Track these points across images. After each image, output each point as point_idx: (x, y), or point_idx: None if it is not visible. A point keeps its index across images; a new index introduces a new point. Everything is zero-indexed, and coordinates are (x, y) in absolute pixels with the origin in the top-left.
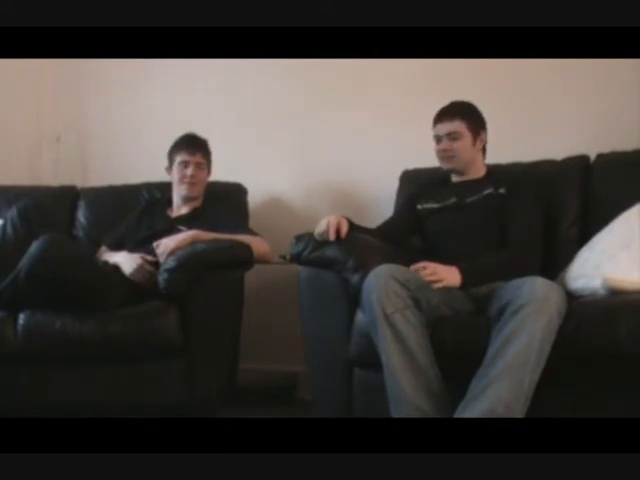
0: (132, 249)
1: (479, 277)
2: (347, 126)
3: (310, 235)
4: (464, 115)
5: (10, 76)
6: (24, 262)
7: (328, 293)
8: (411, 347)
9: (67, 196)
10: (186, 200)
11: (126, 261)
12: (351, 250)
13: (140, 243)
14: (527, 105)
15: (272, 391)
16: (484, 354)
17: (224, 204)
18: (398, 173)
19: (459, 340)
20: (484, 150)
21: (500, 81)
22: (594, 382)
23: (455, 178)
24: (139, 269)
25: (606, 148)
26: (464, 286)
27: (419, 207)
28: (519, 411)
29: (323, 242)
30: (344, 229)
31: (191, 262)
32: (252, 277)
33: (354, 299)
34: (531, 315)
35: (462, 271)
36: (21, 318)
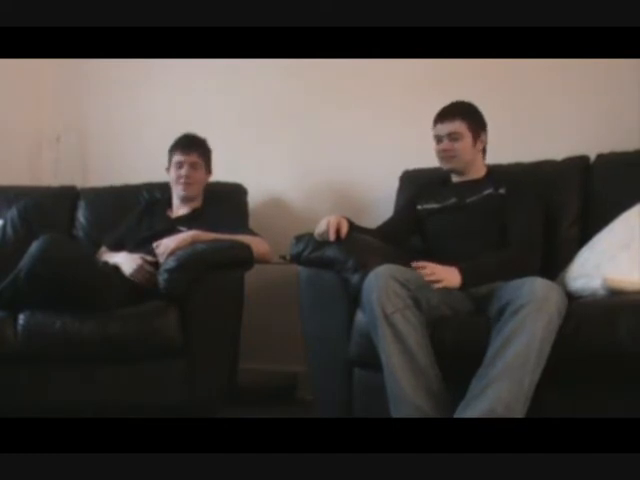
0: (132, 249)
1: (479, 277)
2: (347, 126)
3: (310, 235)
4: (465, 115)
5: (10, 76)
6: (24, 262)
7: (328, 293)
8: (411, 347)
9: (67, 196)
10: (184, 200)
11: (126, 261)
12: (351, 250)
13: (140, 243)
14: (527, 105)
15: (272, 391)
16: (484, 354)
17: (224, 204)
18: (398, 173)
19: (459, 340)
20: (484, 150)
21: (500, 81)
22: (594, 382)
23: (455, 178)
24: (139, 269)
25: (606, 148)
26: (464, 286)
27: (419, 207)
28: (519, 411)
29: (323, 242)
30: (344, 229)
31: (191, 262)
32: (252, 277)
33: (354, 299)
34: (531, 315)
35: (462, 271)
36: (21, 318)
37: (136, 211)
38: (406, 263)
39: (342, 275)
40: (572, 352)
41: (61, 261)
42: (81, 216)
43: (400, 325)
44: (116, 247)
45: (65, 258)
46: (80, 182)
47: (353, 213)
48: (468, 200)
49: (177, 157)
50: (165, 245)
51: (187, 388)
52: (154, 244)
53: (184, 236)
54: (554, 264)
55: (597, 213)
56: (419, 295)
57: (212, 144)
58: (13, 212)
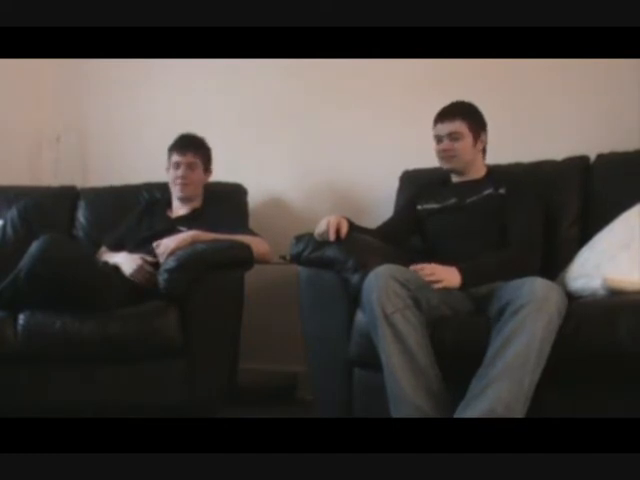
0: (132, 249)
1: (479, 277)
2: (347, 126)
3: (310, 235)
4: (465, 115)
5: (10, 76)
6: (24, 262)
7: (328, 293)
8: (411, 347)
9: (67, 196)
10: (183, 201)
11: (126, 261)
12: (351, 250)
13: (140, 243)
14: (527, 105)
15: (272, 391)
16: (484, 354)
17: (224, 204)
18: (398, 173)
19: (459, 340)
20: (484, 150)
21: (500, 81)
22: (594, 382)
23: (455, 178)
24: (139, 269)
25: (606, 148)
26: (464, 286)
27: (419, 207)
28: (519, 411)
29: (323, 242)
30: (344, 229)
31: (191, 262)
32: (252, 277)
33: (354, 299)
34: (531, 315)
35: (462, 271)
36: (21, 318)
37: (136, 211)
38: (406, 263)
39: (342, 275)
40: (572, 352)
41: (61, 261)
42: (81, 216)
43: (400, 325)
44: (116, 247)
45: (65, 258)
46: (80, 182)
47: (353, 213)
48: (468, 200)
49: (174, 158)
50: (165, 245)
51: (187, 388)
52: (154, 244)
53: (184, 236)
54: (554, 264)
55: (597, 213)
56: (419, 295)
57: (212, 144)
58: (13, 212)
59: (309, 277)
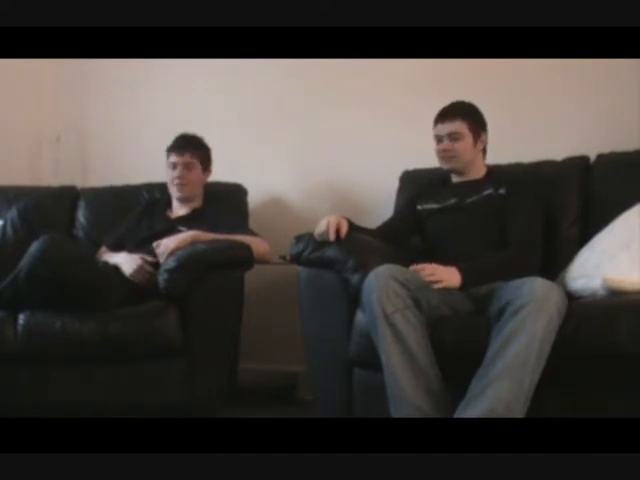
0: (132, 249)
1: (479, 277)
2: (347, 126)
3: (310, 235)
4: (465, 115)
5: (10, 76)
6: (24, 262)
7: (328, 293)
8: (411, 347)
9: (67, 196)
10: (182, 201)
11: (126, 262)
12: (351, 250)
13: (140, 243)
14: (527, 105)
15: (272, 391)
16: (484, 354)
17: (224, 204)
18: (398, 173)
19: (459, 340)
20: (484, 150)
21: (500, 81)
22: (594, 382)
23: (455, 178)
24: (139, 270)
25: (606, 148)
26: (464, 286)
27: (419, 207)
28: (519, 411)
29: (323, 242)
30: (344, 229)
31: (191, 262)
32: (252, 277)
33: (354, 299)
34: (531, 315)
35: (462, 271)
36: (21, 318)
37: (136, 211)
38: (406, 263)
39: (342, 275)
40: (572, 352)
41: (61, 261)
42: (81, 216)
43: (400, 325)
44: (116, 247)
45: (65, 258)
46: (80, 182)
47: (353, 213)
48: (468, 200)
49: (172, 158)
50: (165, 245)
51: (187, 388)
52: (154, 244)
53: (184, 236)
54: (554, 264)
55: (597, 213)
56: (419, 295)
57: (212, 144)
58: (13, 212)
59: (309, 277)
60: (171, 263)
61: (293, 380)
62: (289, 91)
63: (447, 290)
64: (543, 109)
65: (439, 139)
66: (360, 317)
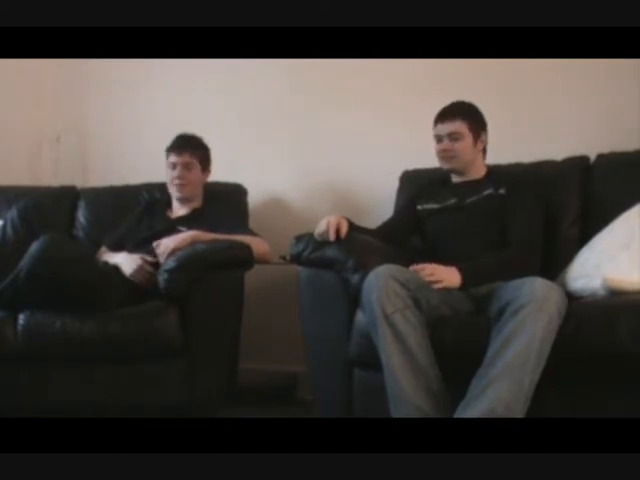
0: (132, 249)
1: (479, 277)
2: (347, 126)
3: (310, 235)
4: (465, 115)
5: (10, 76)
6: (24, 262)
7: (328, 293)
8: (411, 347)
9: (67, 196)
10: (182, 201)
11: (126, 262)
12: (351, 250)
13: (140, 243)
14: (527, 105)
15: (272, 391)
16: (484, 354)
17: (224, 204)
18: (398, 173)
19: (459, 340)
20: (484, 150)
21: (500, 81)
22: (594, 382)
23: (455, 178)
24: (139, 270)
25: (606, 148)
26: (464, 286)
27: (419, 207)
28: (519, 411)
29: (323, 242)
30: (344, 229)
31: (191, 262)
32: (252, 277)
33: (354, 299)
34: (531, 315)
35: (462, 271)
36: (21, 318)
37: (136, 211)
38: (406, 263)
39: (342, 275)
40: (572, 352)
41: (61, 261)
42: (81, 216)
43: (400, 325)
44: (116, 247)
45: (65, 258)
46: (80, 182)
47: (353, 213)
48: (468, 200)
49: (171, 158)
50: (165, 245)
51: (187, 388)
52: (154, 244)
53: (184, 236)
54: (554, 264)
55: (597, 213)
56: (419, 295)
57: (212, 144)
58: (13, 212)
59: (309, 277)
60: (171, 263)
61: (293, 380)
62: (289, 91)
63: (447, 290)
64: (543, 109)
65: (439, 139)
66: (360, 317)
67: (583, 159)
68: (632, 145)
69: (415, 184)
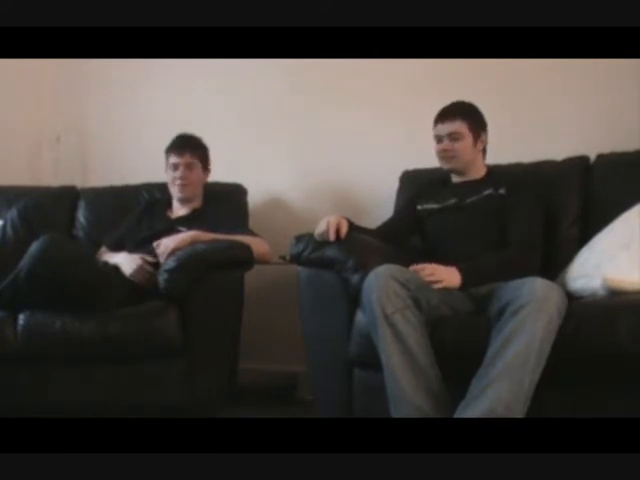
0: (132, 249)
1: (479, 277)
2: (347, 126)
3: (310, 235)
4: (465, 115)
5: (10, 76)
6: (24, 262)
7: (328, 293)
8: (411, 347)
9: (67, 196)
10: (183, 201)
11: (126, 262)
12: (351, 250)
13: (140, 243)
14: (527, 105)
15: (272, 391)
16: (484, 354)
17: (224, 204)
18: (398, 173)
19: (459, 340)
20: (484, 150)
21: (500, 81)
22: (594, 382)
23: (455, 178)
24: (139, 270)
25: (606, 148)
26: (464, 286)
27: (419, 207)
28: (519, 411)
29: (323, 242)
30: (344, 229)
31: (191, 262)
32: (252, 277)
33: (354, 299)
34: (531, 315)
35: (462, 271)
36: (21, 318)
37: (136, 211)
38: (406, 263)
39: (342, 275)
40: (572, 352)
41: (61, 261)
42: (81, 216)
43: (400, 325)
44: (116, 247)
45: (65, 258)
46: (80, 182)
47: (353, 213)
48: (468, 200)
49: (172, 159)
50: (165, 245)
51: (187, 388)
52: (154, 244)
53: (184, 236)
54: (554, 264)
55: (597, 213)
56: (419, 295)
57: (212, 144)
58: (13, 212)
59: (309, 277)
60: (171, 263)
61: (293, 380)
62: (289, 91)
63: (447, 290)
64: (543, 109)
65: (439, 139)
66: (360, 317)
67: (583, 159)
68: (632, 145)
69: (415, 184)
